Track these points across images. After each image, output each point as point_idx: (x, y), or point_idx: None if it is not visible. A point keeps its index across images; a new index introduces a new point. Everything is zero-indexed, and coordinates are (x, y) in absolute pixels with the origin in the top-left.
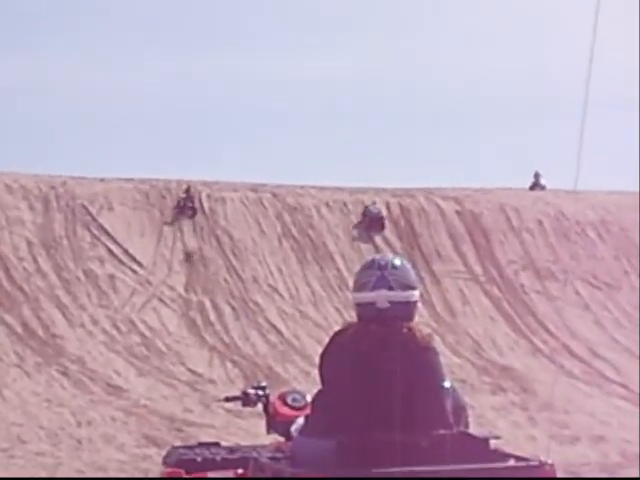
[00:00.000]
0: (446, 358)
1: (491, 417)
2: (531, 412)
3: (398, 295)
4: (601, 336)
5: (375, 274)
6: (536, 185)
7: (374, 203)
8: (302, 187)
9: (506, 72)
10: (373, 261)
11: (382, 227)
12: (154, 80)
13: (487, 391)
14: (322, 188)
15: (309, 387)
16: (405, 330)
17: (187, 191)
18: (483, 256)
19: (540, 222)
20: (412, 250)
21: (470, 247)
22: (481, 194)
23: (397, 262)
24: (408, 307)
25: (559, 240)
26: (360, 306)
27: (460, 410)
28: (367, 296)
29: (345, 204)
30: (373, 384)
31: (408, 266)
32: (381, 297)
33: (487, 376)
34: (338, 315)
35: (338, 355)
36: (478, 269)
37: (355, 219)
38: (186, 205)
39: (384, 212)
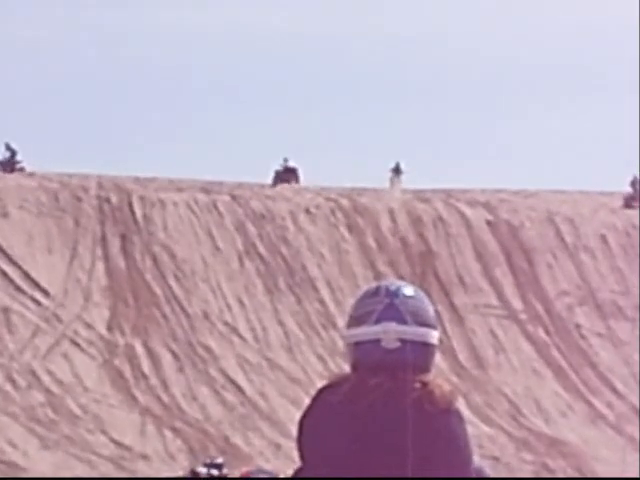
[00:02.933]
0: (472, 426)
1: None
2: None
3: (413, 331)
4: None
5: (382, 302)
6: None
7: None
8: (272, 187)
9: (551, 41)
10: (379, 287)
11: None
12: (65, 37)
13: (528, 472)
14: (301, 189)
15: (280, 465)
16: (418, 385)
17: None
18: (524, 285)
19: (604, 238)
20: (425, 275)
21: (506, 272)
22: (522, 198)
23: (411, 290)
24: (425, 351)
25: (630, 264)
26: (358, 347)
27: None
28: (369, 331)
29: (332, 211)
30: (375, 461)
31: (425, 298)
32: (389, 332)
33: (529, 452)
34: (321, 365)
35: (326, 421)
36: (517, 303)
37: (347, 231)
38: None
39: (387, 221)
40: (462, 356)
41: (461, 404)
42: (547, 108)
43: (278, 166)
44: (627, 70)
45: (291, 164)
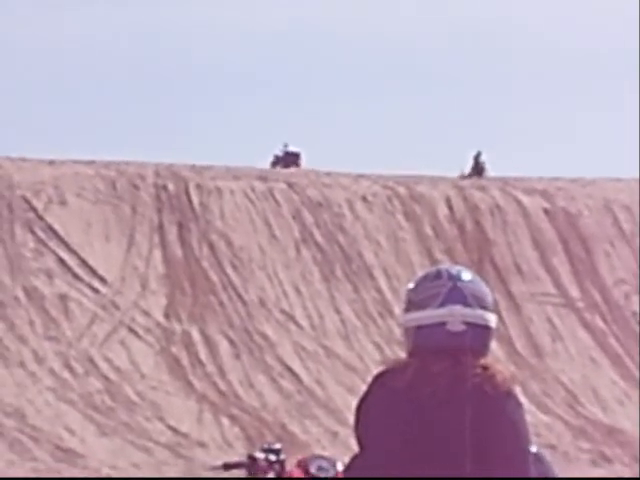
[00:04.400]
0: (529, 414)
1: None
2: None
3: (477, 314)
4: None
5: (446, 285)
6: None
7: None
8: (329, 174)
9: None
10: (440, 271)
11: None
12: (117, 34)
13: (586, 461)
14: (358, 176)
15: (337, 453)
16: (479, 369)
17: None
18: (581, 273)
19: None
20: (482, 263)
21: (564, 260)
22: (579, 186)
23: (469, 275)
24: (486, 335)
25: None
26: (419, 331)
27: None
28: (434, 314)
29: (389, 198)
30: (436, 447)
31: (483, 282)
32: (455, 315)
33: (586, 441)
34: (378, 353)
35: (386, 407)
36: (574, 291)
37: (403, 219)
38: None
39: (444, 209)
40: (519, 344)
41: (518, 392)
42: (603, 96)
43: (278, 151)
44: None
45: (292, 148)
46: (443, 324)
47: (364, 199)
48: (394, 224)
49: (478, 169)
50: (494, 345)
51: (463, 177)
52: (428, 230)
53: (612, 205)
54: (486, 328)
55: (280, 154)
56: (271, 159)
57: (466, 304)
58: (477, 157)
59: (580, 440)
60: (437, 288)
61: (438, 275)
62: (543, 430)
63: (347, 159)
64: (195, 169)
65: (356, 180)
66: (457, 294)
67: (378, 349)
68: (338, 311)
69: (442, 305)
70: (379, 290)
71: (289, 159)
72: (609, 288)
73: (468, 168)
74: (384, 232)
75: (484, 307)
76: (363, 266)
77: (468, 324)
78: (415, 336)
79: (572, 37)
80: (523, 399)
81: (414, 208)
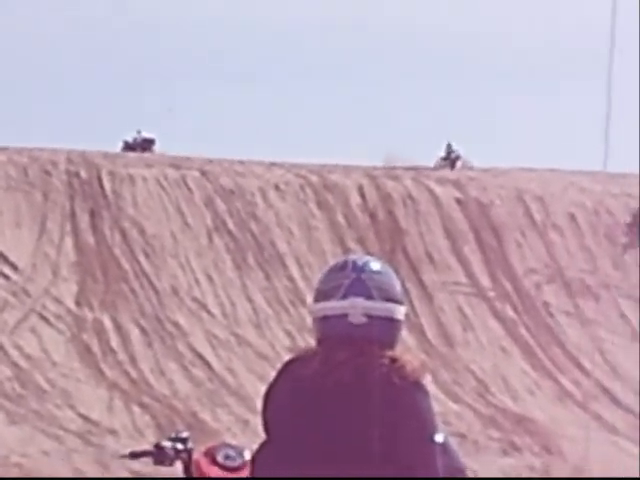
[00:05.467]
0: (439, 403)
1: None
2: None
3: (379, 307)
4: None
5: (349, 277)
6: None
7: None
8: (242, 163)
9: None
10: (346, 262)
11: None
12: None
13: (496, 450)
14: (271, 165)
15: (247, 441)
16: (387, 361)
17: None
18: (493, 263)
19: (573, 217)
20: (394, 253)
21: (475, 250)
22: (491, 176)
23: (378, 265)
24: (391, 327)
25: (598, 242)
26: (324, 322)
27: (456, 474)
28: (336, 306)
29: (302, 187)
30: (342, 436)
31: (392, 273)
32: (356, 308)
33: (496, 429)
34: (290, 341)
35: (291, 394)
36: (485, 281)
37: (316, 208)
38: None
39: (356, 198)
40: (430, 333)
41: (429, 381)
42: (515, 87)
43: (129, 137)
44: (597, 48)
45: (146, 134)
46: (345, 316)
47: (277, 187)
48: (306, 212)
49: (451, 159)
50: (405, 334)
51: (436, 168)
52: (340, 219)
53: (524, 195)
54: (391, 320)
55: (131, 140)
56: (121, 144)
57: (369, 296)
58: (449, 148)
59: (490, 429)
60: (341, 279)
61: (344, 266)
62: (453, 419)
63: (260, 147)
64: (108, 156)
65: (269, 168)
66: (360, 286)
67: (290, 337)
68: (250, 299)
69: (344, 297)
70: (291, 278)
71: (144, 145)
72: (520, 278)
73: (439, 159)
74: (296, 220)
75: (389, 299)
76: (275, 254)
77: (370, 316)
78: (321, 326)
79: (485, 25)
80: (434, 388)
81: (327, 197)
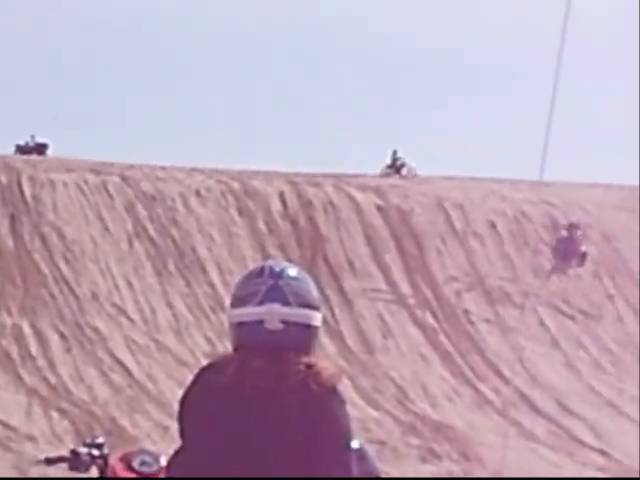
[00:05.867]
0: (358, 410)
1: None
2: None
3: (296, 313)
4: (574, 384)
5: (266, 283)
6: (393, 168)
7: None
8: (164, 168)
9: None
10: (263, 268)
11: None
12: None
13: (414, 457)
14: (192, 170)
15: (166, 447)
16: (303, 367)
17: None
18: (413, 270)
19: (493, 224)
20: (315, 259)
21: (396, 257)
22: (413, 184)
23: (295, 271)
24: (307, 333)
25: (519, 250)
26: (241, 327)
27: None
28: (253, 312)
29: (223, 193)
30: (257, 443)
31: (309, 280)
32: (273, 314)
33: (415, 437)
34: (210, 347)
35: (208, 401)
36: (406, 288)
37: (237, 214)
38: None
39: (277, 204)
40: (350, 340)
41: (348, 388)
42: (435, 96)
43: (22, 141)
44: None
45: (40, 139)
46: (261, 322)
47: (198, 193)
48: (227, 219)
49: (396, 167)
50: (325, 341)
51: (382, 175)
52: (261, 225)
53: (444, 203)
54: (307, 327)
55: (23, 144)
56: (13, 148)
57: (285, 302)
58: (394, 155)
59: (409, 436)
60: (258, 285)
61: (261, 272)
62: (372, 426)
63: (181, 153)
64: (28, 161)
65: (190, 174)
66: (276, 292)
67: (210, 344)
68: (170, 305)
69: (261, 303)
70: (212, 285)
71: (38, 149)
72: (440, 285)
73: (385, 166)
74: (217, 227)
75: (306, 305)
76: (196, 260)
77: (286, 323)
78: (238, 332)
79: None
80: (353, 395)
81: (248, 203)
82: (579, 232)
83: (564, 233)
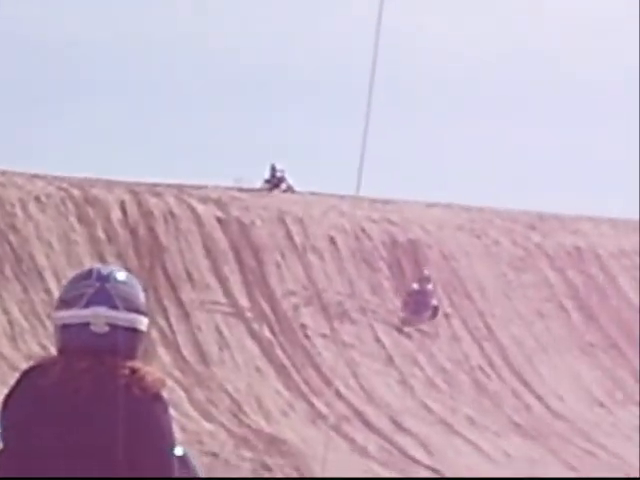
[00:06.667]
0: (192, 422)
1: None
2: None
3: (123, 317)
4: (407, 400)
5: (93, 286)
6: (271, 182)
7: None
8: (3, 173)
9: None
10: (90, 271)
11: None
12: None
13: (247, 470)
14: (32, 176)
15: None
16: (127, 371)
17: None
18: (252, 283)
19: (332, 240)
20: (153, 269)
21: (235, 270)
22: (254, 197)
23: (123, 275)
24: (133, 337)
25: (357, 266)
26: (65, 330)
27: None
28: (79, 314)
29: (63, 200)
30: (79, 446)
31: (138, 285)
32: (99, 317)
33: (248, 449)
34: (45, 354)
35: (31, 403)
36: (244, 301)
37: (76, 221)
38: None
39: (117, 213)
40: (186, 351)
41: (183, 399)
42: (282, 111)
43: None
44: None
45: None
46: (87, 325)
47: (37, 199)
48: (67, 226)
49: (275, 181)
50: (161, 351)
51: (262, 189)
52: (101, 233)
53: (285, 217)
54: (134, 331)
55: None
56: None
57: (112, 306)
58: (273, 169)
59: (242, 449)
60: (84, 288)
61: (88, 275)
62: (206, 438)
63: (22, 159)
64: None
65: (30, 180)
66: (103, 295)
67: (45, 351)
68: (6, 311)
69: (87, 306)
70: (48, 291)
71: None
72: (278, 299)
73: (264, 181)
74: (56, 233)
75: (133, 310)
76: (33, 267)
77: (113, 326)
78: (62, 334)
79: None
80: (187, 407)
81: (88, 211)
82: (430, 285)
83: (415, 286)
